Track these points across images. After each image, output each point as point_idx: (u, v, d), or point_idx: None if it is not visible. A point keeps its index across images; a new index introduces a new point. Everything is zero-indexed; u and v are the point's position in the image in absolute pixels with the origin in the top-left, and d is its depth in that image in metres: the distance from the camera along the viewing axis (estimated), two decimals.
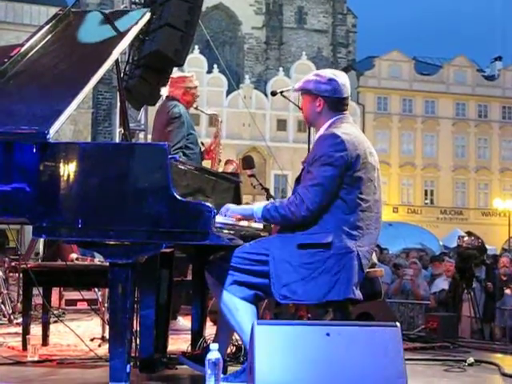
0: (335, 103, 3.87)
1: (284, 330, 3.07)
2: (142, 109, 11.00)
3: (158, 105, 6.20)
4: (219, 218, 3.64)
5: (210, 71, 42.54)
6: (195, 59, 40.30)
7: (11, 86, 3.88)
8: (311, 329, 3.08)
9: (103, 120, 44.21)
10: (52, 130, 3.50)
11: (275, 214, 3.69)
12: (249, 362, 3.18)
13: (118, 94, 5.72)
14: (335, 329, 3.06)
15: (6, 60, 3.96)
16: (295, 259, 3.62)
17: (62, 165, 3.53)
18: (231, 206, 3.85)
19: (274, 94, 6.16)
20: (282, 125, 42.99)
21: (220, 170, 6.64)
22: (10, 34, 41.67)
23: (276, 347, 3.01)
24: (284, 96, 6.11)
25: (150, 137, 7.35)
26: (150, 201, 3.42)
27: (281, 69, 44.99)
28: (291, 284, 3.60)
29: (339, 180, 3.65)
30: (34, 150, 3.51)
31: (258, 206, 3.79)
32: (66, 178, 3.52)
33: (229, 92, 41.99)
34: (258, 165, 38.84)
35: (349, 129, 3.80)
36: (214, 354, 3.38)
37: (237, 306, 3.73)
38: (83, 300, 8.05)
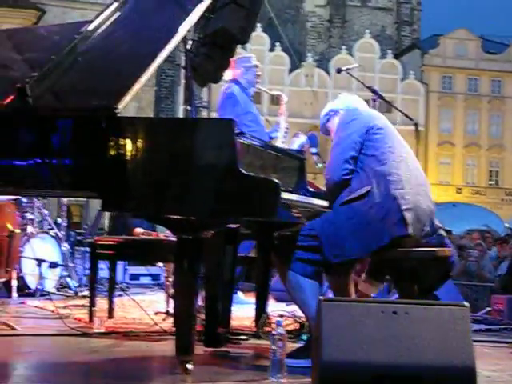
0: None
1: (350, 307, 3.06)
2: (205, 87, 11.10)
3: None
4: (285, 195, 3.64)
5: (272, 49, 42.41)
6: (258, 37, 40.19)
7: (81, 63, 3.91)
8: (378, 306, 3.06)
9: (165, 98, 44.45)
10: (121, 105, 3.53)
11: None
12: (314, 338, 3.19)
13: (181, 71, 5.76)
14: (402, 307, 3.04)
15: (76, 36, 3.99)
16: (339, 218, 3.79)
17: (130, 139, 3.55)
18: None
19: (339, 71, 6.14)
20: None
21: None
22: (75, 12, 42.16)
23: (342, 324, 3.00)
24: (350, 74, 6.08)
25: (212, 114, 7.41)
26: (217, 176, 3.42)
27: (343, 47, 44.60)
28: (340, 241, 3.73)
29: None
30: (104, 125, 3.55)
31: None
32: (133, 152, 3.54)
33: (291, 70, 41.85)
34: (320, 143, 38.66)
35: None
36: (278, 329, 3.41)
37: (300, 284, 3.80)
38: (147, 274, 8.18)
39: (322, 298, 3.11)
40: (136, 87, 3.65)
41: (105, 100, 3.56)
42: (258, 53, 38.11)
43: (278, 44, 41.49)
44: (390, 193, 3.80)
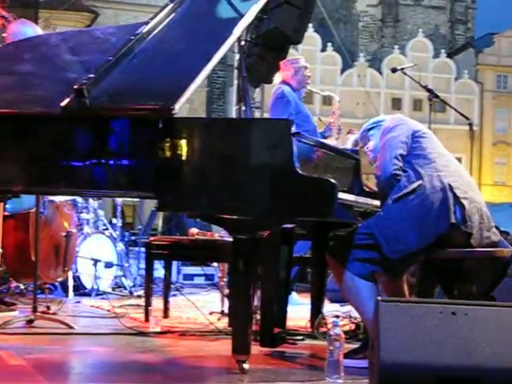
0: None
1: (409, 308, 3.02)
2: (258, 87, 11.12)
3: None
4: (341, 195, 3.62)
5: (323, 49, 42.28)
6: (309, 37, 40.06)
7: (137, 64, 3.94)
8: (436, 307, 3.02)
9: (217, 98, 44.62)
10: (177, 106, 3.55)
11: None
12: (372, 339, 3.16)
13: (234, 72, 5.79)
14: (461, 308, 3.00)
15: (132, 38, 4.02)
16: (394, 213, 3.78)
17: (186, 140, 3.58)
18: None
19: (394, 70, 6.11)
20: (396, 103, 42.35)
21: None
22: (127, 14, 42.58)
23: (400, 325, 2.97)
24: (405, 73, 6.05)
25: (265, 115, 7.44)
26: (273, 176, 3.43)
27: (396, 46, 44.22)
28: (397, 236, 3.71)
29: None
30: (160, 126, 3.57)
31: None
32: (189, 153, 3.56)
33: (343, 70, 41.68)
34: None
35: None
36: (335, 330, 3.39)
37: (356, 285, 3.77)
38: (201, 275, 8.21)
39: (379, 298, 3.08)
40: (191, 88, 3.66)
41: (161, 101, 3.58)
42: (309, 53, 38.10)
43: (329, 44, 41.34)
44: (444, 184, 3.81)
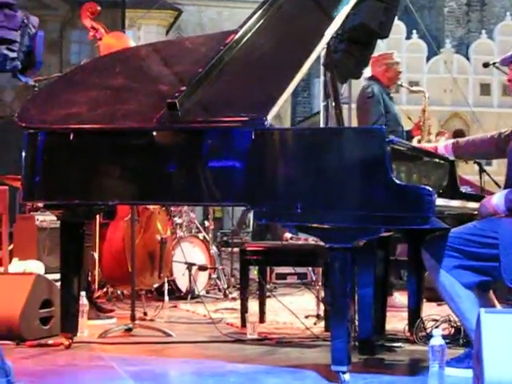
0: None
1: None
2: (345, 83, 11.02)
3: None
4: (438, 201, 3.54)
5: (408, 37, 41.68)
6: (394, 26, 39.44)
7: (228, 73, 3.95)
8: None
9: (302, 90, 44.50)
10: (269, 117, 3.54)
11: None
12: (475, 350, 3.08)
13: (321, 65, 5.75)
14: None
15: (221, 48, 4.03)
16: None
17: (279, 150, 3.58)
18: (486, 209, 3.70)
19: (486, 65, 5.97)
20: (485, 89, 41.41)
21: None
22: (210, 9, 42.85)
23: (505, 337, 2.88)
24: (498, 68, 5.88)
25: (354, 108, 7.35)
26: (369, 185, 3.39)
27: (483, 31, 43.25)
28: None
29: None
30: (253, 137, 3.57)
31: (497, 196, 3.67)
32: (283, 163, 3.57)
33: (429, 57, 41.02)
34: (462, 131, 37.79)
35: None
36: (437, 341, 3.33)
37: (458, 293, 3.65)
38: (294, 274, 8.18)
39: (482, 309, 3.00)
40: (283, 98, 3.66)
41: (253, 112, 3.58)
42: (394, 41, 37.50)
43: (414, 31, 40.73)
44: None
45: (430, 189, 3.35)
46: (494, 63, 5.96)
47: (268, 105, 3.59)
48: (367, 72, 6.28)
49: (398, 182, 3.34)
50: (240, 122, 3.60)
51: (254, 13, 4.28)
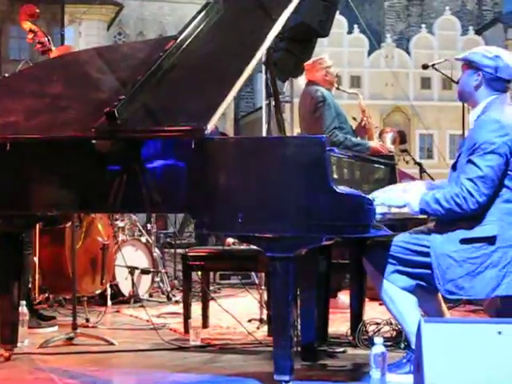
0: (495, 82, 3.67)
1: (453, 328, 2.97)
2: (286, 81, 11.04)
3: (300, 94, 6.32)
4: (379, 209, 3.56)
5: (350, 32, 42.02)
6: (335, 20, 39.67)
7: (168, 81, 3.90)
8: (481, 327, 2.96)
9: (245, 85, 44.57)
10: (210, 126, 3.51)
11: (437, 207, 3.52)
12: (416, 359, 3.11)
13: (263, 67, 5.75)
14: (508, 327, 2.94)
15: (161, 54, 3.99)
16: (459, 254, 3.49)
17: (219, 160, 3.55)
18: (379, 195, 3.65)
19: (425, 67, 6.04)
20: (426, 83, 41.99)
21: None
22: (152, 5, 42.60)
23: (445, 346, 2.91)
24: (437, 69, 5.96)
25: (296, 106, 7.36)
26: (309, 194, 3.38)
27: (423, 25, 43.84)
28: (457, 279, 3.48)
29: (504, 168, 3.50)
30: (193, 146, 3.54)
31: (412, 196, 3.63)
32: (224, 173, 3.54)
33: (370, 52, 41.41)
34: (403, 125, 38.22)
35: (507, 111, 3.62)
36: (378, 349, 3.36)
37: (398, 296, 3.70)
38: (237, 274, 8.16)
39: (422, 318, 3.03)
40: (223, 106, 3.63)
41: (193, 121, 3.54)
42: (336, 36, 37.83)
43: (355, 26, 41.05)
44: None
45: (370, 197, 3.38)
46: (433, 65, 6.04)
47: (208, 114, 3.54)
48: (302, 79, 6.29)
49: (338, 190, 3.33)
50: (180, 131, 3.55)
51: (194, 17, 4.23)
